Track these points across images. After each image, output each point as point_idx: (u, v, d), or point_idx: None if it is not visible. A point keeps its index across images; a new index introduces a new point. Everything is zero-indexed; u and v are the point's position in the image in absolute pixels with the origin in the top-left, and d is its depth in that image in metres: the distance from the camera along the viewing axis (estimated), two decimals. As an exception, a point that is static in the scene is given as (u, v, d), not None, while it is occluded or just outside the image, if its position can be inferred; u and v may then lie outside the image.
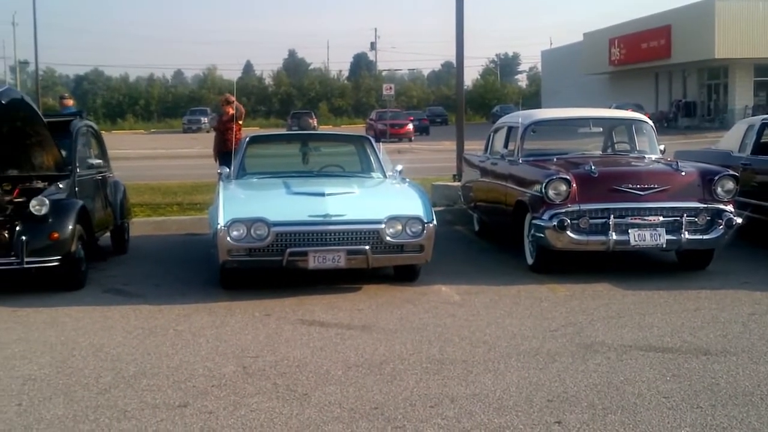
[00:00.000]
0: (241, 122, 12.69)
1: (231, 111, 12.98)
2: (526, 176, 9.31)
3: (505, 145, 10.60)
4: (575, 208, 8.41)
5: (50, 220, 8.18)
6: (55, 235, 8.14)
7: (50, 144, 9.06)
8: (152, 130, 70.40)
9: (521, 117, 10.44)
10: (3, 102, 8.11)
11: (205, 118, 63.02)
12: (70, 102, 13.63)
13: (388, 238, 7.83)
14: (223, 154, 12.30)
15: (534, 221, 8.68)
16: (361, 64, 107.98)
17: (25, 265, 8.04)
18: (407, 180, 9.33)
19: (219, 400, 5.14)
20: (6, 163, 9.06)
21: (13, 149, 9.00)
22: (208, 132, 57.47)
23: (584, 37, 60.86)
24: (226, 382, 5.47)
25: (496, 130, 11.62)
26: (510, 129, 10.71)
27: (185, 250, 10.83)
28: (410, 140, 44.55)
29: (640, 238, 8.36)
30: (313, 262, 7.74)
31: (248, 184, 9.13)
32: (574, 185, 8.47)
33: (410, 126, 47.17)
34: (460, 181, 13.54)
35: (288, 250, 7.68)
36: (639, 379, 5.40)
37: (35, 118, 8.83)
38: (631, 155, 10.27)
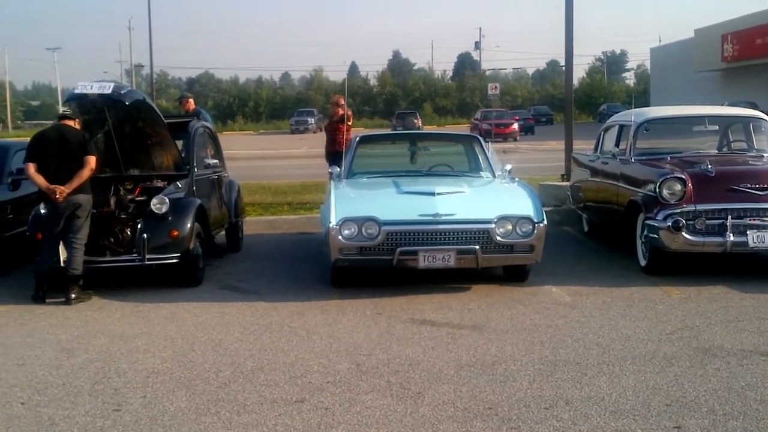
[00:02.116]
0: (350, 123, 12.83)
1: (341, 112, 13.14)
2: (639, 176, 9.15)
3: (617, 144, 10.43)
4: (691, 208, 8.22)
5: (170, 218, 8.47)
6: (175, 233, 8.42)
7: (170, 144, 9.37)
8: (261, 131, 71.84)
9: (633, 115, 10.24)
10: (127, 103, 8.45)
11: (312, 119, 64.00)
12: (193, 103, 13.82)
13: (498, 238, 7.80)
14: (333, 154, 12.48)
15: (647, 222, 8.52)
16: (465, 63, 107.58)
17: (146, 262, 8.35)
18: (516, 179, 9.27)
19: (334, 396, 5.23)
20: (128, 162, 9.40)
21: (135, 149, 9.33)
22: (314, 133, 58.45)
23: (695, 33, 59.09)
24: (341, 379, 5.56)
25: (606, 129, 11.45)
26: (621, 127, 10.53)
27: (296, 249, 11.05)
28: (515, 140, 44.19)
29: (759, 239, 8.10)
30: (423, 261, 7.77)
31: (359, 183, 9.23)
32: (690, 185, 8.27)
33: (515, 125, 46.76)
34: (568, 180, 13.38)
35: (398, 249, 7.73)
36: (761, 385, 5.24)
37: (156, 119, 9.14)
38: (749, 154, 9.95)
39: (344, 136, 12.00)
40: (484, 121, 46.18)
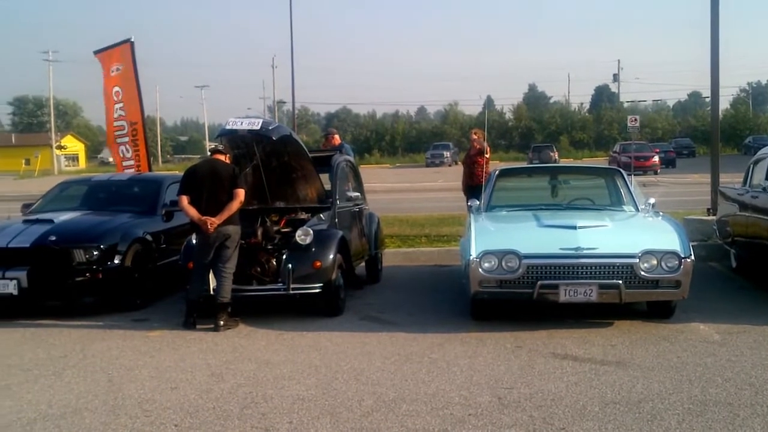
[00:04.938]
0: (488, 156, 12.82)
1: (477, 146, 13.17)
2: (793, 210, 8.77)
3: (767, 177, 10.04)
4: None
5: (313, 249, 8.68)
6: (318, 263, 8.62)
7: (314, 178, 9.64)
8: (397, 165, 72.55)
9: (786, 147, 9.85)
10: (274, 138, 8.75)
11: (448, 153, 64.26)
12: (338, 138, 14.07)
13: (642, 273, 7.62)
14: (472, 187, 12.50)
15: (802, 258, 8.15)
16: (602, 96, 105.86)
17: (291, 292, 8.57)
18: (661, 213, 9.05)
19: (477, 429, 5.22)
20: (275, 195, 9.73)
21: (281, 182, 9.66)
22: (450, 166, 58.60)
23: None
24: (482, 412, 5.55)
25: (756, 162, 11.04)
26: (773, 160, 10.14)
27: (434, 281, 11.10)
28: (656, 173, 42.99)
29: None
30: (564, 295, 7.67)
31: (498, 216, 9.21)
32: None
33: (656, 158, 45.47)
34: (714, 214, 12.95)
35: (539, 282, 7.67)
36: None
37: (302, 153, 9.44)
38: None
39: (483, 169, 12.01)
40: (623, 153, 45.10)
